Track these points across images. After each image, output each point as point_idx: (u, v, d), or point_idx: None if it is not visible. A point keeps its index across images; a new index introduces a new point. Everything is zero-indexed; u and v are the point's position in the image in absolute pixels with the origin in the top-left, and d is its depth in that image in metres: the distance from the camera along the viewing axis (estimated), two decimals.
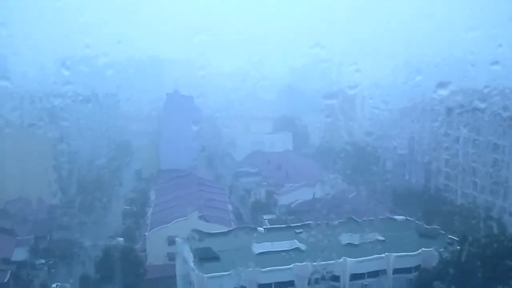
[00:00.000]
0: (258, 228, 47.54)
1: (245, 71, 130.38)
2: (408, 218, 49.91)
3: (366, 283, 39.28)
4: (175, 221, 52.61)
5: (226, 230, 46.57)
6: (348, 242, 41.78)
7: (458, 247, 38.29)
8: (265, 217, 65.37)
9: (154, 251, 50.95)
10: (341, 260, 38.36)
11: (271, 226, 51.66)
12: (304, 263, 37.54)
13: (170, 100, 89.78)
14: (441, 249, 39.40)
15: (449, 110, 72.52)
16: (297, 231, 44.59)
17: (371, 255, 39.35)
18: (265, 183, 78.45)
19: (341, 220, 46.39)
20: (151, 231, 53.48)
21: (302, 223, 48.24)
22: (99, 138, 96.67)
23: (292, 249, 41.00)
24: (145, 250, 52.05)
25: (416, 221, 48.89)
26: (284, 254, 40.07)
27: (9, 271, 48.71)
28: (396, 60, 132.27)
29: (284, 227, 48.77)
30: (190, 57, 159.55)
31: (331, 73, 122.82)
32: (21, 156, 66.33)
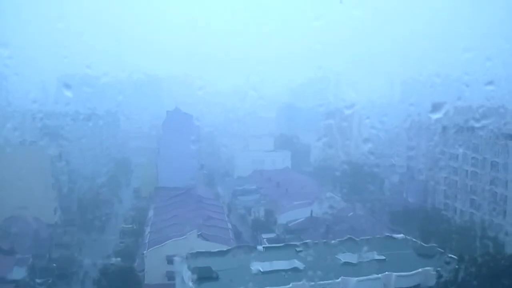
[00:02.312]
0: (257, 247, 47.61)
1: (244, 90, 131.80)
2: (406, 236, 50.09)
3: None
4: (174, 239, 52.50)
5: (225, 249, 46.60)
6: (347, 261, 41.88)
7: (457, 266, 38.45)
8: (264, 235, 65.39)
9: (153, 270, 50.71)
10: (340, 279, 38.42)
11: (270, 245, 51.72)
12: (302, 282, 37.59)
13: (169, 117, 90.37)
14: (440, 268, 39.51)
15: (446, 129, 73.40)
16: (297, 250, 44.68)
17: (370, 274, 39.41)
18: (264, 201, 78.64)
19: (339, 239, 46.55)
20: (149, 250, 53.30)
21: (301, 242, 48.34)
22: (98, 156, 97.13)
23: (291, 268, 41.05)
24: (143, 270, 51.82)
25: (415, 240, 49.07)
26: (283, 273, 40.10)
27: None
28: (392, 80, 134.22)
29: (283, 245, 48.86)
30: (189, 76, 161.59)
31: (329, 92, 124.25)
32: (20, 173, 66.49)
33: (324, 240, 48.07)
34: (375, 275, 39.39)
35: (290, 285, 37.80)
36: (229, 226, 64.82)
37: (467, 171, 70.39)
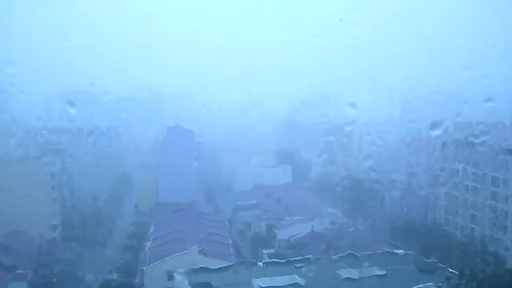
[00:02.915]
0: (258, 263, 47.56)
1: (245, 106, 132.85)
2: (407, 252, 50.03)
3: None
4: (174, 255, 52.43)
5: (225, 265, 46.52)
6: (348, 276, 41.82)
7: (458, 281, 38.39)
8: (264, 251, 65.23)
9: (153, 286, 50.53)
10: None
11: (271, 261, 51.61)
12: None
13: (170, 133, 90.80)
14: (441, 284, 39.44)
15: (446, 145, 73.74)
16: (297, 265, 44.63)
17: None
18: (265, 216, 78.58)
19: (340, 254, 46.50)
20: (149, 266, 53.21)
21: (302, 258, 48.27)
22: (100, 172, 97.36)
23: (292, 284, 40.97)
24: (143, 285, 51.72)
25: (416, 255, 48.99)
26: None
27: None
28: (392, 96, 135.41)
29: (284, 261, 48.76)
30: (191, 92, 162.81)
31: (329, 109, 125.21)
32: (22, 189, 66.80)
33: (325, 256, 48.03)
34: None
35: None
36: (230, 241, 64.72)
37: (467, 186, 70.49)
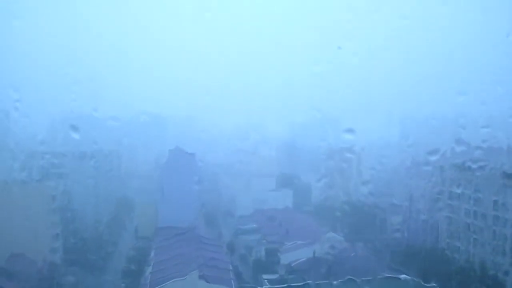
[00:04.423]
0: None
1: (246, 130, 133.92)
2: (408, 276, 50.09)
3: None
4: (174, 280, 52.36)
5: None
6: None
7: None
8: (265, 276, 64.97)
9: None
10: None
11: (272, 286, 51.62)
12: None
13: (171, 157, 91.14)
14: None
15: (445, 169, 74.38)
16: None
17: None
18: (265, 240, 78.46)
19: (342, 280, 46.59)
20: None
21: (303, 283, 48.34)
22: (101, 195, 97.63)
23: None
24: None
25: (417, 280, 49.05)
26: None
27: None
28: (390, 122, 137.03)
29: (285, 286, 48.79)
30: (192, 115, 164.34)
31: (328, 135, 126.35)
32: (23, 213, 67.05)
33: (326, 281, 48.10)
34: None
35: None
36: (230, 266, 64.57)
37: (468, 210, 70.82)
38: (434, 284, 46.98)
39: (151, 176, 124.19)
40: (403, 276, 50.60)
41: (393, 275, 51.56)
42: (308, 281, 47.32)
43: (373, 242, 77.89)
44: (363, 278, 46.94)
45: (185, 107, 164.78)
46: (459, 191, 71.69)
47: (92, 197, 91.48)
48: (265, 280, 62.22)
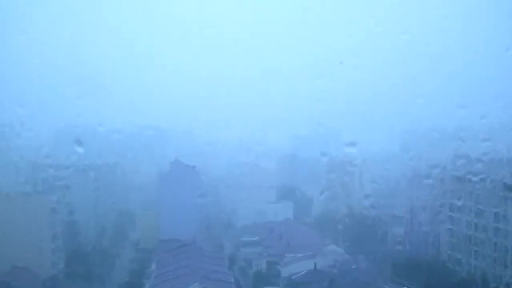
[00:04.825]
0: None
1: (247, 142, 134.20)
2: None
3: None
4: None
5: None
6: None
7: None
8: None
9: None
10: None
11: None
12: None
13: (171, 169, 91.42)
14: None
15: (446, 181, 74.54)
16: None
17: None
18: (266, 253, 78.32)
19: None
20: None
21: None
22: (102, 208, 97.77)
23: None
24: None
25: None
26: None
27: None
28: (391, 134, 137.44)
29: None
30: (194, 129, 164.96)
31: (330, 147, 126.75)
32: (24, 225, 67.19)
33: None
34: None
35: None
36: (231, 279, 64.48)
37: (469, 222, 70.83)
38: None
39: (152, 188, 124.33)
40: None
41: None
42: None
43: (374, 254, 77.65)
44: None
45: (187, 121, 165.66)
46: (460, 203, 71.76)
47: (94, 209, 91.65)
48: None
